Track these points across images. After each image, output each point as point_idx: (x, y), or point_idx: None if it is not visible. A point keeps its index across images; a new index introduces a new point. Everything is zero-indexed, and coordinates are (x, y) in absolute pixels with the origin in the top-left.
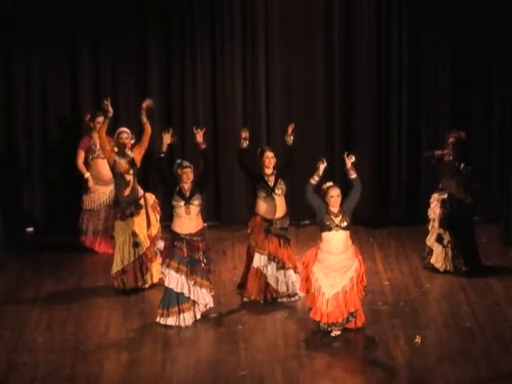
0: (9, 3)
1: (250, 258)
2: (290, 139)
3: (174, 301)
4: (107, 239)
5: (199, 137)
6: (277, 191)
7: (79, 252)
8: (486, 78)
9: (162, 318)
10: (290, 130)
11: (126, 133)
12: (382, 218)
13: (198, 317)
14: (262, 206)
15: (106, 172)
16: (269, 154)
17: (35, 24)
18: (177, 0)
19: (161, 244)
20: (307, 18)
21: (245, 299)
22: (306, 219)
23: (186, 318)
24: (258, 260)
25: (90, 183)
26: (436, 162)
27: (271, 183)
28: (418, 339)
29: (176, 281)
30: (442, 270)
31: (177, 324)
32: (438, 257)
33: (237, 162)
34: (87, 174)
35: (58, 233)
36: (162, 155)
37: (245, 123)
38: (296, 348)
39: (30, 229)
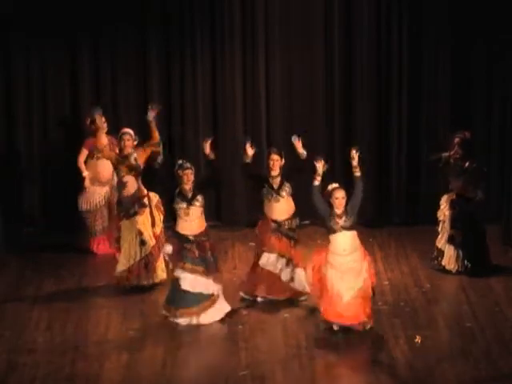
0: (9, 3)
1: (258, 259)
2: (303, 152)
3: (192, 302)
4: (105, 240)
5: (207, 148)
6: (282, 193)
7: (79, 252)
8: (486, 78)
9: (180, 319)
10: (298, 145)
11: (128, 134)
12: (381, 218)
13: (219, 316)
14: (269, 208)
15: (105, 173)
16: (274, 157)
17: (35, 24)
18: (177, 0)
19: (169, 248)
20: (307, 18)
21: (257, 298)
22: (306, 219)
23: (206, 317)
24: (266, 259)
25: (87, 183)
26: (443, 165)
27: (276, 185)
28: (418, 339)
29: (192, 282)
30: (454, 271)
31: (194, 323)
32: (451, 258)
33: (242, 175)
34: (85, 173)
35: (58, 233)
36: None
37: (245, 123)
38: (296, 348)
39: (29, 229)
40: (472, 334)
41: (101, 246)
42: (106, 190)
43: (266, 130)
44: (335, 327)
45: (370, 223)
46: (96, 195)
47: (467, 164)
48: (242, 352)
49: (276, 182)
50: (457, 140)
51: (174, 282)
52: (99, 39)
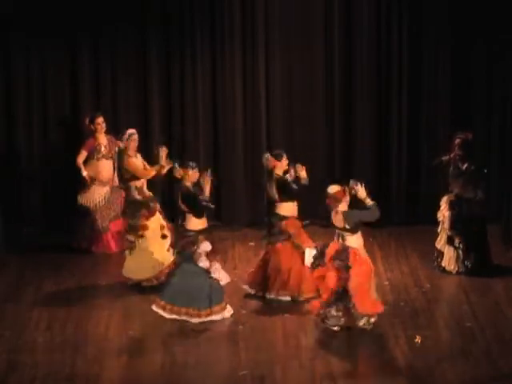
0: (9, 3)
1: (293, 257)
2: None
3: (221, 296)
4: (104, 239)
5: (207, 190)
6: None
7: (79, 252)
8: (486, 78)
9: (209, 317)
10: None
11: (136, 134)
12: (382, 218)
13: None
14: (291, 207)
15: (106, 173)
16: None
17: (35, 24)
18: (177, 0)
19: (207, 245)
20: (307, 18)
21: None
22: (306, 219)
23: (228, 311)
24: (309, 255)
25: (88, 182)
26: (443, 167)
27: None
28: (418, 339)
29: (223, 274)
30: (454, 272)
31: (223, 317)
32: (450, 259)
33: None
34: (85, 173)
35: (58, 233)
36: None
37: (245, 123)
38: (296, 348)
39: (29, 229)
40: (472, 333)
41: (100, 245)
42: (106, 189)
43: (266, 130)
44: (336, 328)
45: (370, 223)
46: (96, 195)
47: (465, 166)
48: (242, 352)
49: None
50: (458, 141)
51: (211, 281)
52: (99, 39)
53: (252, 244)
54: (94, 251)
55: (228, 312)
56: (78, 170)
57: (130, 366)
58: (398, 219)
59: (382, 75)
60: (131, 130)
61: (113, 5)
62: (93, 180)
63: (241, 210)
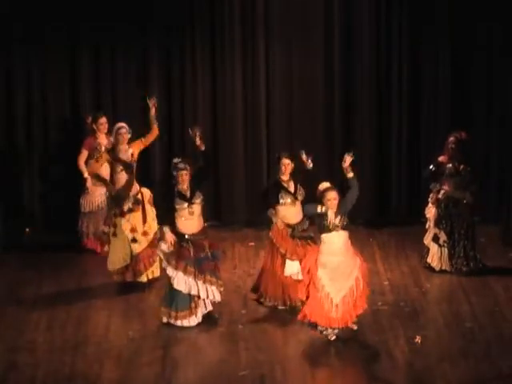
0: (9, 3)
1: (275, 263)
2: (309, 164)
3: (186, 303)
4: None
5: (198, 140)
6: (299, 197)
7: (79, 252)
8: (487, 78)
9: (171, 319)
10: (304, 157)
11: (124, 128)
12: (382, 218)
13: (200, 317)
14: (284, 212)
15: (105, 173)
16: (285, 161)
17: (35, 24)
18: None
19: (164, 246)
20: (307, 18)
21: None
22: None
23: (193, 320)
24: (291, 267)
25: (88, 183)
26: (437, 167)
27: (292, 189)
28: (418, 339)
29: (184, 282)
30: (437, 269)
31: (185, 325)
32: (434, 256)
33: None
34: (86, 174)
35: (58, 233)
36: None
37: (245, 123)
38: (296, 348)
39: (29, 229)
40: (472, 333)
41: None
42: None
43: (266, 129)
44: (332, 337)
45: (370, 223)
46: (98, 196)
47: (462, 167)
48: (242, 352)
49: (291, 186)
50: (451, 139)
51: (169, 282)
52: (99, 39)
53: (252, 244)
54: (100, 252)
55: (194, 320)
56: (79, 171)
57: (129, 366)
58: (398, 219)
59: (381, 75)
60: (119, 124)
61: (113, 5)
62: (94, 181)
63: (240, 210)
